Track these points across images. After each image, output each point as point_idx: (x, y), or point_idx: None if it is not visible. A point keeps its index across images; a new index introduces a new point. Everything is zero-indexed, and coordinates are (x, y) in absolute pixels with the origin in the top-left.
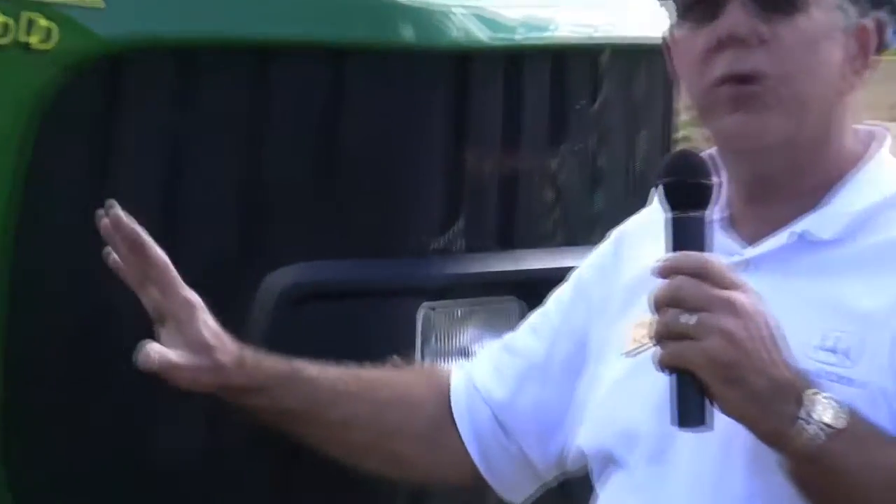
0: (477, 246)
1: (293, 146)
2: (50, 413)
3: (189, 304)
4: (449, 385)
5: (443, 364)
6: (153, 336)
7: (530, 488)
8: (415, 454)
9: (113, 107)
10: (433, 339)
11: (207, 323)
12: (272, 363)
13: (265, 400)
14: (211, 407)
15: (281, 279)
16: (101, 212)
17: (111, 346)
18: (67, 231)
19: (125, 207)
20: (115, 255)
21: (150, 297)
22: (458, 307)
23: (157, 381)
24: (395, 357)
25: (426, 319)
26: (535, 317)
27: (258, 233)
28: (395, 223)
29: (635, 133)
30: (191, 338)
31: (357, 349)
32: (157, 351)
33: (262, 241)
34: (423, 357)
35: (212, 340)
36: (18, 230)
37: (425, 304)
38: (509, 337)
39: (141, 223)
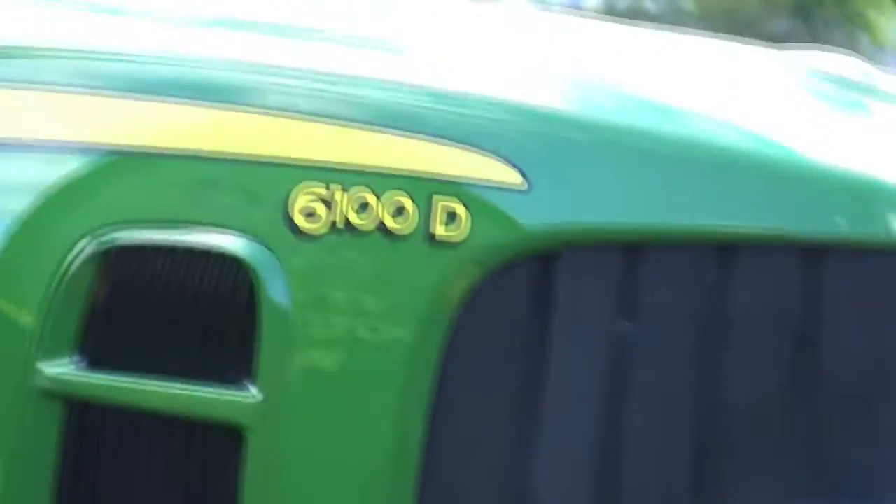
0: None
1: (761, 361)
2: None
3: None
4: None
5: None
6: None
7: None
8: None
9: (540, 314)
10: None
11: None
12: None
13: None
14: None
15: None
16: None
17: None
18: (482, 471)
19: (553, 436)
20: None
21: None
22: None
23: None
24: None
25: None
26: None
27: (718, 468)
28: (887, 462)
29: None
30: None
31: None
32: None
33: (722, 479)
34: None
35: None
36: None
37: None
38: None
39: (572, 460)
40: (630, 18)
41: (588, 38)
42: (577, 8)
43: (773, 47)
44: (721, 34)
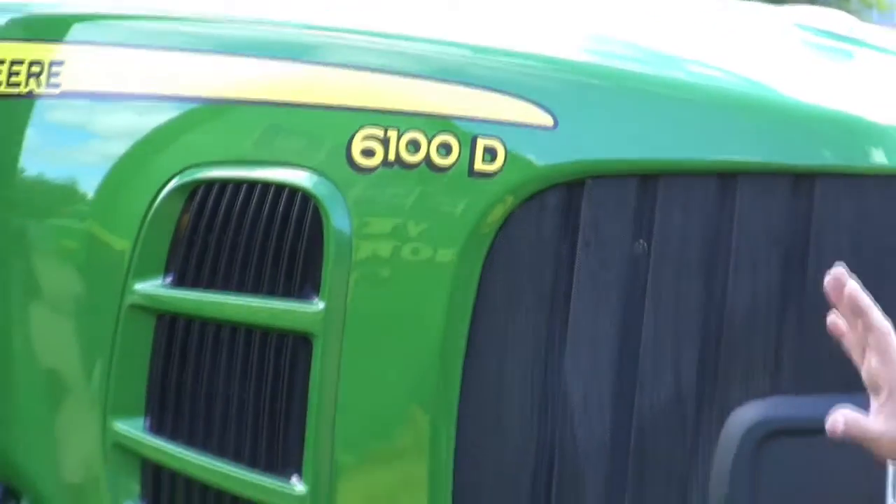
0: None
1: (758, 276)
2: None
3: None
4: None
5: None
6: None
7: None
8: None
9: (565, 239)
10: None
11: None
12: None
13: None
14: None
15: (747, 415)
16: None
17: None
18: (517, 366)
19: (580, 341)
20: (834, 319)
21: (867, 366)
22: None
23: None
24: None
25: None
26: None
27: (723, 366)
28: None
29: None
30: None
31: (825, 496)
32: (849, 417)
33: (727, 375)
34: None
35: None
36: (465, 366)
37: None
38: None
39: (597, 358)
40: None
41: None
42: None
43: (767, 3)
44: None
